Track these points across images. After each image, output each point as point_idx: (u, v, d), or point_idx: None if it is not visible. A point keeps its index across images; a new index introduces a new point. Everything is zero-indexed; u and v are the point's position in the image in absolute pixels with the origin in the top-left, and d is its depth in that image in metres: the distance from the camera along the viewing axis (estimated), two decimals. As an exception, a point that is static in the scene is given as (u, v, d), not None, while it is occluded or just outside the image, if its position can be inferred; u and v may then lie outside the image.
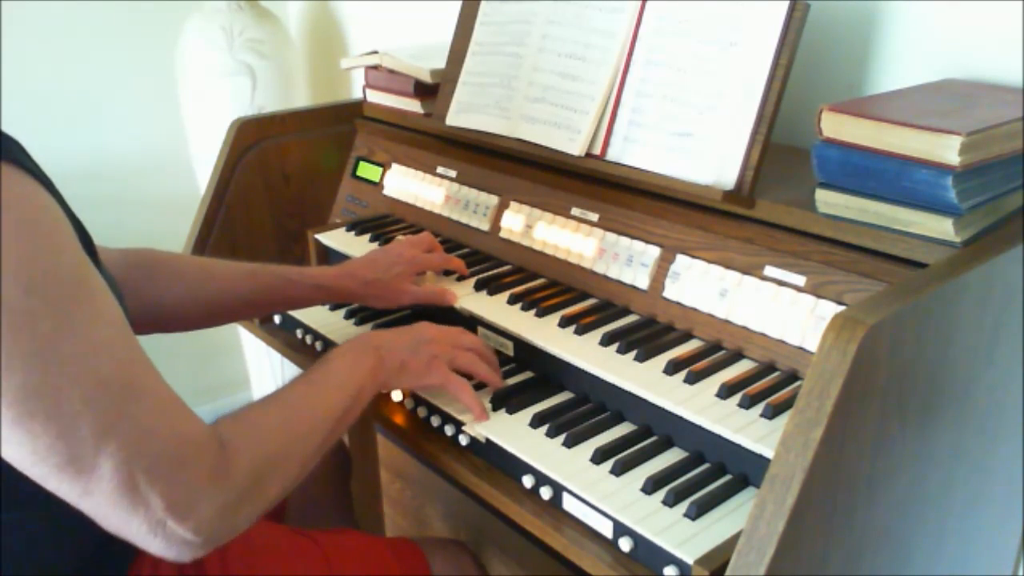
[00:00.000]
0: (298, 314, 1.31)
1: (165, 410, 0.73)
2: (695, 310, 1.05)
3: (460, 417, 1.02)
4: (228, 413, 0.83)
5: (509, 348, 1.13)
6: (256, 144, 1.51)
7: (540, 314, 1.12)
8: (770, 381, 0.94)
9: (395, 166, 1.50)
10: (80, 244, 0.73)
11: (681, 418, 0.92)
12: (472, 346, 1.07)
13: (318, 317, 1.31)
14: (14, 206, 0.66)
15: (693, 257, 1.07)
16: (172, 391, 0.75)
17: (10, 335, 0.64)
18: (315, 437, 0.87)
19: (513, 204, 1.29)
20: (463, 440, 1.02)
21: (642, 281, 1.11)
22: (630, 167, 1.13)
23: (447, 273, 1.26)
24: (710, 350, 1.01)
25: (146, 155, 2.36)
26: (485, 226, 1.32)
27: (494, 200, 1.32)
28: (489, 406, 1.03)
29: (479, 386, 1.07)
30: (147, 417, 0.71)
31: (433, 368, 1.01)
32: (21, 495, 0.74)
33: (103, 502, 0.69)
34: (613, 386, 0.99)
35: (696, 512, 0.84)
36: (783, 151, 1.18)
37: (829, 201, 0.93)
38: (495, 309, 1.15)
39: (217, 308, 1.15)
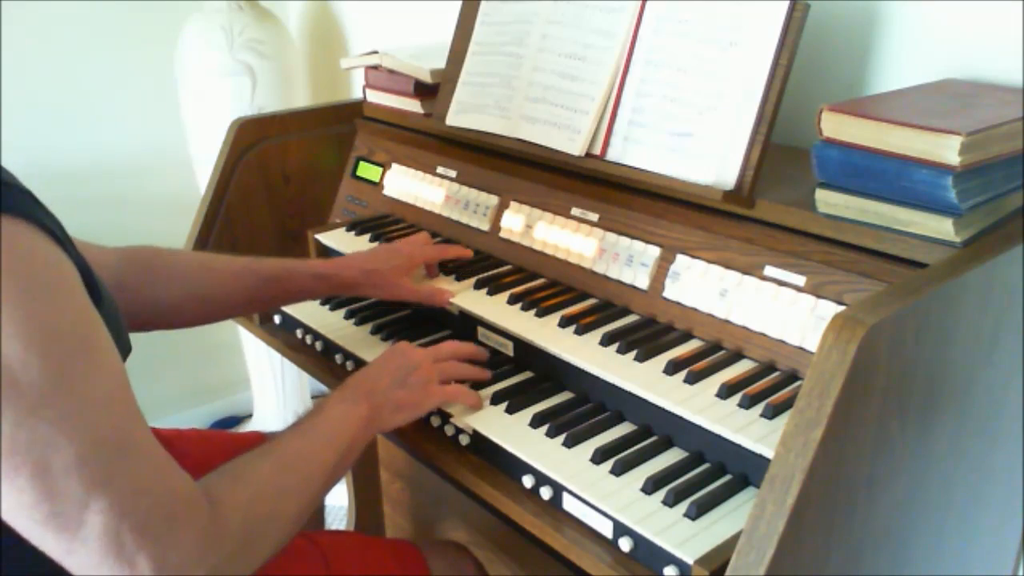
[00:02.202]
0: (298, 314, 1.31)
1: (157, 467, 0.72)
2: (695, 310, 1.05)
3: (450, 410, 1.03)
4: (216, 469, 0.80)
5: (509, 348, 1.13)
6: (256, 144, 1.51)
7: (540, 314, 1.12)
8: (770, 381, 0.94)
9: (395, 166, 1.50)
10: (87, 295, 0.72)
11: (681, 418, 0.92)
12: (452, 354, 1.07)
13: (318, 317, 1.31)
14: (17, 260, 0.65)
15: (693, 257, 1.07)
16: (161, 447, 0.73)
17: (4, 390, 0.63)
18: (307, 492, 0.85)
19: (513, 204, 1.29)
20: (463, 440, 1.02)
21: (642, 281, 1.11)
22: (630, 167, 1.13)
23: (447, 273, 1.26)
24: (710, 350, 1.01)
25: (146, 155, 2.36)
26: (485, 226, 1.32)
27: (494, 200, 1.32)
28: (489, 404, 1.04)
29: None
30: (140, 475, 0.69)
31: (429, 393, 1.01)
32: None
33: (87, 562, 0.67)
34: (613, 386, 0.99)
35: (696, 512, 0.84)
36: (783, 151, 1.18)
37: (829, 201, 0.93)
38: (495, 309, 1.15)
39: (217, 303, 1.14)
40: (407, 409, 0.99)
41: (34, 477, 0.65)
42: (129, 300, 1.02)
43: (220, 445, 1.26)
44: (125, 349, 0.82)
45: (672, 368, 0.97)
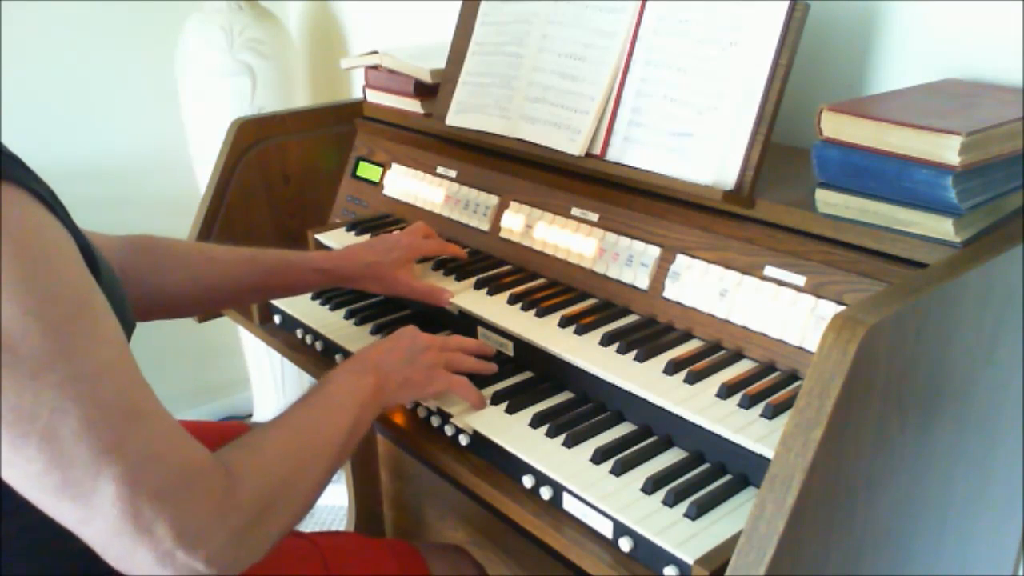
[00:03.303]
0: (298, 314, 1.31)
1: (169, 434, 0.71)
2: (695, 310, 1.05)
3: (450, 410, 1.03)
4: (230, 443, 0.80)
5: (509, 348, 1.13)
6: (256, 144, 1.51)
7: (540, 314, 1.12)
8: (770, 381, 0.94)
9: (395, 166, 1.50)
10: (83, 262, 0.71)
11: (681, 418, 0.92)
12: (459, 346, 1.07)
13: (318, 317, 1.31)
14: (14, 227, 0.65)
15: (693, 257, 1.07)
16: (171, 416, 0.73)
17: (5, 356, 0.63)
18: (321, 462, 0.85)
19: (513, 204, 1.29)
20: (463, 440, 1.02)
21: (642, 281, 1.11)
22: (630, 167, 1.13)
23: (447, 273, 1.26)
24: (710, 350, 1.01)
25: (146, 155, 2.37)
26: (485, 226, 1.32)
27: (494, 200, 1.32)
28: (489, 404, 1.04)
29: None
30: (151, 441, 0.69)
31: (435, 376, 1.01)
32: (22, 504, 0.73)
33: (105, 530, 0.67)
34: (613, 386, 0.99)
35: (696, 512, 0.84)
36: (783, 151, 1.18)
37: (829, 201, 0.93)
38: (495, 309, 1.15)
39: (218, 292, 1.14)
40: (413, 387, 0.99)
41: (42, 444, 0.64)
42: (130, 286, 1.02)
43: (206, 435, 1.26)
44: (129, 325, 0.81)
45: (672, 368, 0.97)
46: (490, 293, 1.19)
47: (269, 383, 2.48)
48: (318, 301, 1.35)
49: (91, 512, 0.66)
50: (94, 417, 0.66)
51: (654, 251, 1.10)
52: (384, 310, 1.30)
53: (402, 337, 1.03)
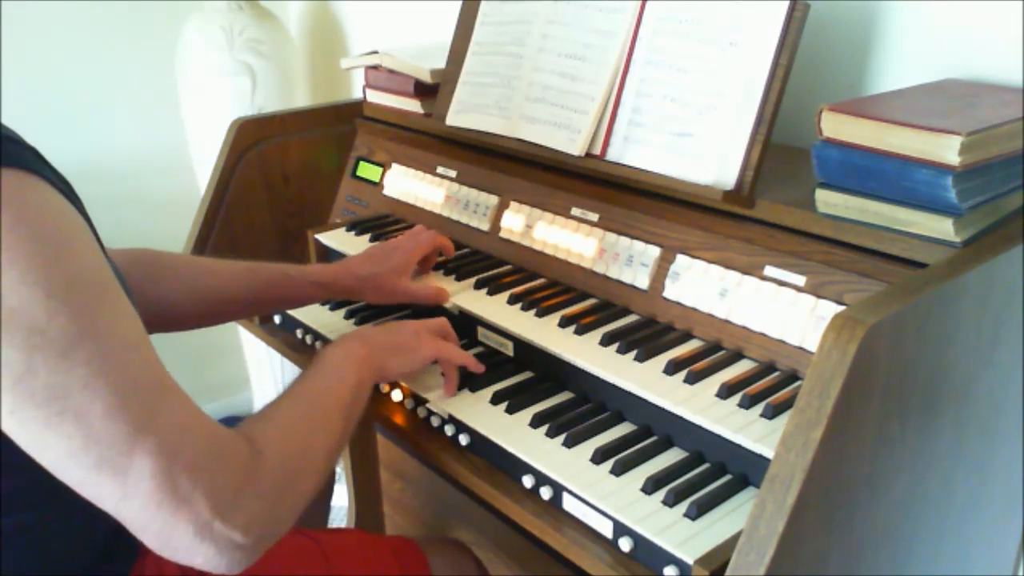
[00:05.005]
0: (298, 314, 1.31)
1: (193, 408, 0.73)
2: (695, 310, 1.05)
3: (427, 395, 1.05)
4: (245, 418, 0.82)
5: (509, 348, 1.13)
6: (256, 144, 1.51)
7: (540, 314, 1.12)
8: (770, 381, 0.94)
9: (395, 166, 1.50)
10: (100, 247, 0.73)
11: (681, 418, 0.92)
12: (441, 329, 1.09)
13: (318, 317, 1.31)
14: (33, 213, 0.66)
15: (693, 257, 1.07)
16: (187, 394, 0.75)
17: (33, 338, 0.64)
18: (333, 427, 0.88)
19: (513, 204, 1.29)
20: (463, 440, 1.02)
21: (642, 281, 1.11)
22: (630, 167, 1.13)
23: (447, 273, 1.26)
24: (710, 350, 1.01)
25: (146, 155, 2.36)
26: (485, 226, 1.32)
27: (494, 200, 1.32)
28: (489, 404, 1.04)
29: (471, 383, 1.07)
30: (180, 413, 0.71)
31: (423, 341, 1.04)
32: (28, 498, 0.73)
33: (144, 505, 0.67)
34: (613, 386, 0.99)
35: (696, 512, 0.84)
36: (783, 151, 1.18)
37: (829, 201, 0.93)
38: (495, 309, 1.15)
39: (217, 306, 1.15)
40: (404, 351, 1.02)
41: (79, 421, 0.65)
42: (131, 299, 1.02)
43: None
44: None
45: (672, 368, 0.97)
46: (490, 293, 1.19)
47: (269, 383, 2.48)
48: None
49: (130, 487, 0.67)
50: (125, 392, 0.67)
51: (654, 251, 1.10)
52: (384, 309, 1.30)
53: (388, 322, 1.08)
